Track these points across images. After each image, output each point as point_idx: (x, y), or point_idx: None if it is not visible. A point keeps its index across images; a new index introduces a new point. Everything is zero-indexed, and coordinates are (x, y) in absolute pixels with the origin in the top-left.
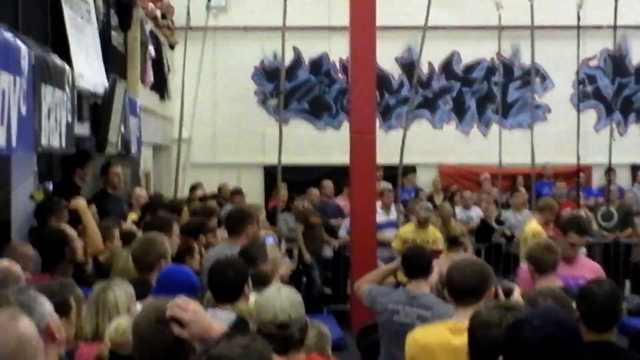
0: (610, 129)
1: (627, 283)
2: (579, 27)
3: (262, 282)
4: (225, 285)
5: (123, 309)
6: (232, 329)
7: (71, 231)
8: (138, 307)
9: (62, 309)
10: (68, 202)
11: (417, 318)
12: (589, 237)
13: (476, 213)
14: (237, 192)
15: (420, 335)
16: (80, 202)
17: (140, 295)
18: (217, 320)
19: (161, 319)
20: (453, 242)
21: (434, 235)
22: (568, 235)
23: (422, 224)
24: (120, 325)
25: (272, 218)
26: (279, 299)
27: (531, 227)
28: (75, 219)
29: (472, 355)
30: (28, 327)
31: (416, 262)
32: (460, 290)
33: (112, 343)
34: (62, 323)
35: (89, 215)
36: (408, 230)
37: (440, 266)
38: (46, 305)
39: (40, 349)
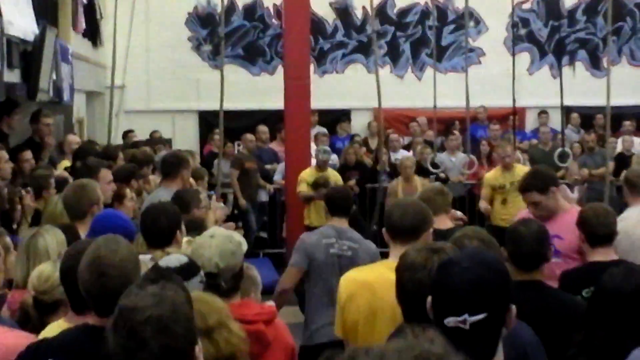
0: (560, 72)
1: None
2: None
3: (197, 227)
4: (157, 230)
5: (54, 255)
6: (182, 271)
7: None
8: None
9: None
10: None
11: (348, 249)
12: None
13: (404, 155)
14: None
15: (357, 274)
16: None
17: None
18: None
19: (100, 271)
20: (317, 186)
21: (334, 176)
22: (528, 196)
23: (321, 166)
24: (43, 272)
25: (207, 164)
26: (209, 248)
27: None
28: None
29: (399, 296)
30: None
31: (341, 201)
32: (399, 228)
33: (36, 290)
34: None
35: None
36: (308, 173)
37: None
38: None
39: None
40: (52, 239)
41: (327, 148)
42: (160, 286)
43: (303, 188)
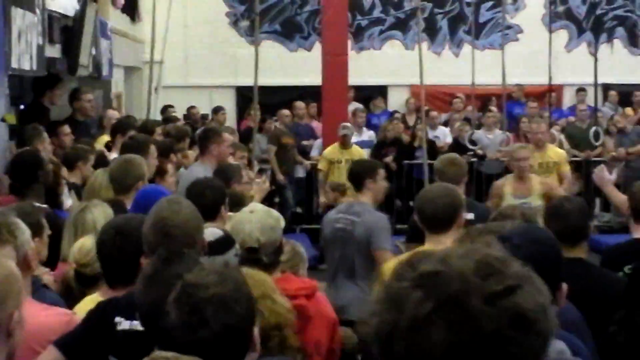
0: (595, 48)
1: (597, 201)
2: None
3: (237, 203)
4: (202, 204)
5: None
6: (217, 244)
7: (46, 155)
8: None
9: (35, 229)
10: (40, 124)
11: (350, 223)
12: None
13: (443, 132)
14: (219, 109)
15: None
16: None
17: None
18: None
19: (120, 231)
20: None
21: (359, 153)
22: None
23: (344, 144)
24: (84, 245)
25: (245, 139)
26: (250, 223)
27: None
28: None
29: None
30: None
31: (354, 176)
32: (432, 221)
33: (77, 263)
34: (36, 243)
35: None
36: (332, 151)
37: None
38: (26, 233)
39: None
40: (100, 213)
41: (348, 124)
42: (224, 265)
43: (322, 166)
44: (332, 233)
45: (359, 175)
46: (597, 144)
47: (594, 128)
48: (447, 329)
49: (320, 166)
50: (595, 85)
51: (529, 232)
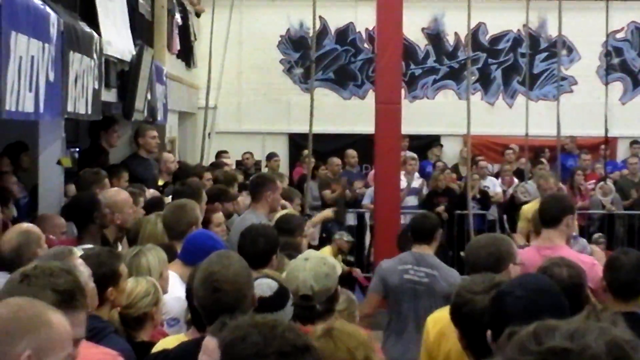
0: None
1: None
2: None
3: (292, 249)
4: (255, 251)
5: (155, 274)
6: (276, 298)
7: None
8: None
9: (112, 277)
10: (97, 166)
11: (425, 276)
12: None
13: (492, 182)
14: (272, 156)
15: (446, 312)
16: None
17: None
18: None
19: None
20: None
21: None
22: None
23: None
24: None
25: (297, 186)
26: (304, 271)
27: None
28: None
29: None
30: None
31: (423, 228)
32: (473, 270)
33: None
34: (112, 291)
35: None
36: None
37: None
38: (84, 274)
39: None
40: (154, 257)
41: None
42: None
43: None
44: (401, 284)
45: (430, 229)
46: None
47: None
48: None
49: None
50: None
51: (529, 282)
